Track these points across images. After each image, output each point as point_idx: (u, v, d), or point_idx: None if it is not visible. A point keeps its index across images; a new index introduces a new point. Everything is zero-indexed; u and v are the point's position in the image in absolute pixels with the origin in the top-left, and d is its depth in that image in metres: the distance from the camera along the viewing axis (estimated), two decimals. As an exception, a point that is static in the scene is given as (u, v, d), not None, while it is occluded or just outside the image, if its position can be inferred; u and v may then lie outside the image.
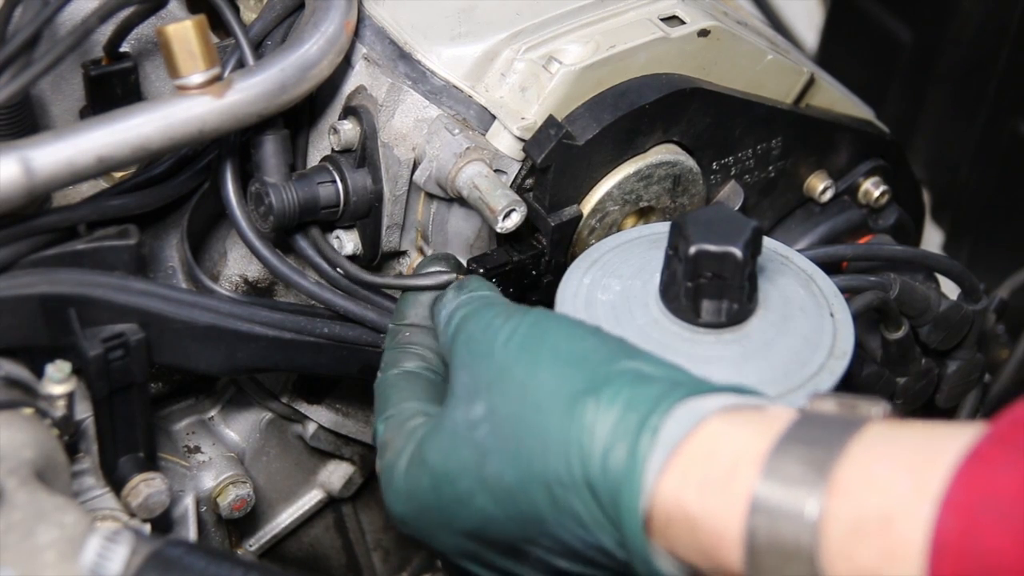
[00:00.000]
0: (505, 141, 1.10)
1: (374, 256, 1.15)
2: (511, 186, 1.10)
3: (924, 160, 1.81)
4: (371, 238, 1.14)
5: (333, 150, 1.13)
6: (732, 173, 1.23)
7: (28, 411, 0.96)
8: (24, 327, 1.01)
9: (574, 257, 1.09)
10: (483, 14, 1.14)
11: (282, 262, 1.11)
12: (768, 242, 1.06)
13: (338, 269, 1.12)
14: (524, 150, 1.10)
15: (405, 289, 1.08)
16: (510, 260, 1.11)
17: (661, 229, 1.08)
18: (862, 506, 0.73)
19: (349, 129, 1.12)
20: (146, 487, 1.06)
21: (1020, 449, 0.71)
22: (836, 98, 1.31)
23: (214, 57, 1.01)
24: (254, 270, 1.19)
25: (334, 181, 1.11)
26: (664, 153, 1.16)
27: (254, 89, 1.03)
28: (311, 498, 1.39)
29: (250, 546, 1.35)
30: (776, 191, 1.28)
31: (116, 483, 1.06)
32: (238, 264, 1.19)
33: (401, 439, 0.94)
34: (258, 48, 1.11)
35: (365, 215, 1.13)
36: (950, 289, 1.32)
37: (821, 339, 1.00)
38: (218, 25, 1.14)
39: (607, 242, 1.09)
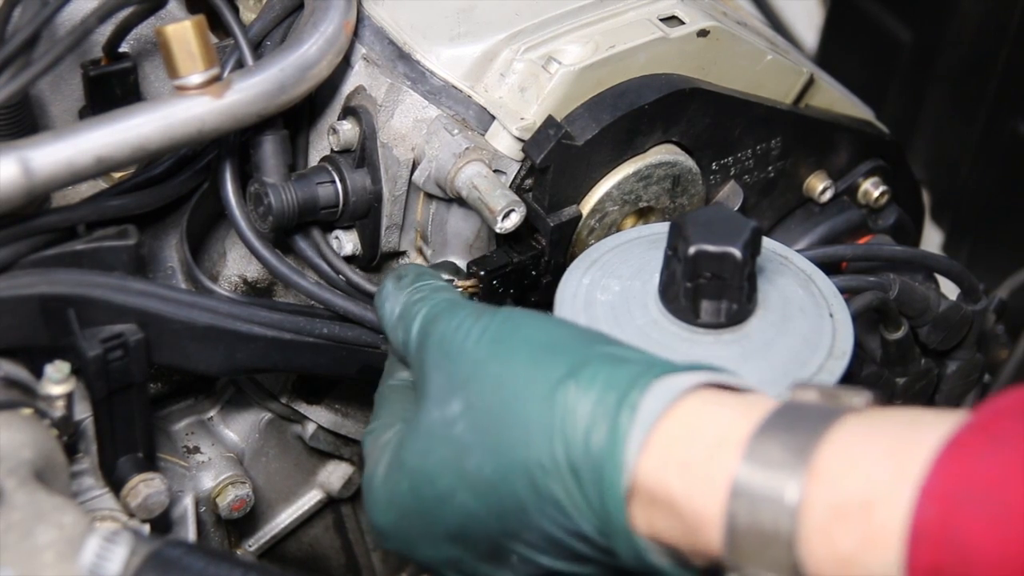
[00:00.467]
0: (504, 141, 1.10)
1: (373, 256, 1.15)
2: (510, 186, 1.10)
3: (924, 160, 1.81)
4: (370, 238, 1.14)
5: (332, 150, 1.14)
6: (731, 173, 1.23)
7: (27, 411, 0.96)
8: (23, 327, 1.01)
9: (573, 257, 1.09)
10: (482, 14, 1.13)
11: (281, 262, 1.11)
12: (767, 242, 1.06)
13: (340, 276, 1.12)
14: (523, 150, 1.10)
15: None
16: (510, 261, 1.11)
17: (660, 229, 1.08)
18: (842, 492, 0.73)
19: (348, 129, 1.12)
20: (145, 487, 1.06)
21: (1000, 438, 0.71)
22: (836, 98, 1.31)
23: (213, 57, 1.01)
24: (253, 270, 1.19)
25: (333, 181, 1.11)
26: (663, 153, 1.16)
27: (253, 89, 1.03)
28: (310, 498, 1.39)
29: (249, 546, 1.35)
30: (775, 191, 1.28)
31: (115, 483, 1.06)
32: (237, 264, 1.19)
33: (378, 450, 0.94)
34: (257, 48, 1.11)
35: (364, 215, 1.13)
36: (950, 289, 1.32)
37: (820, 339, 1.00)
38: (217, 25, 1.14)
39: (606, 242, 1.09)
